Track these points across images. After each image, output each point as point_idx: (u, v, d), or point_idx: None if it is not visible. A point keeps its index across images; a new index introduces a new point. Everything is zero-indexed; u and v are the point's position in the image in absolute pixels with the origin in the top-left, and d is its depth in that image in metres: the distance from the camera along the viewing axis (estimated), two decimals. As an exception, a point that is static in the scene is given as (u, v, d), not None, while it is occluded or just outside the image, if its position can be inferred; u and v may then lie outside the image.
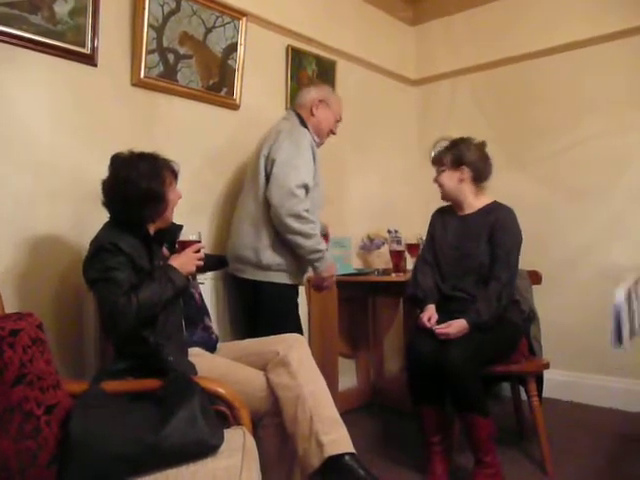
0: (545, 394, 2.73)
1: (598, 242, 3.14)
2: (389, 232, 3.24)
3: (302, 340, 1.79)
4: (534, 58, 3.39)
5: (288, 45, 2.93)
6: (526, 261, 2.55)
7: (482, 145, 2.40)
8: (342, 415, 2.89)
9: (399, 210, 3.61)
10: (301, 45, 3.01)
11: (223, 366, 1.73)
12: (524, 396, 2.47)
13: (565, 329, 3.11)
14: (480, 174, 2.36)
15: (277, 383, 1.67)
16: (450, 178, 2.35)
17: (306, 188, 2.22)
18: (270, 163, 2.24)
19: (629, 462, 2.36)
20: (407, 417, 2.30)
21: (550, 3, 3.31)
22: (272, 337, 1.83)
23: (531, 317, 2.53)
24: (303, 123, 2.39)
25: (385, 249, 3.24)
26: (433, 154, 2.46)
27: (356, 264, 3.36)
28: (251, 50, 2.70)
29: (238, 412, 1.54)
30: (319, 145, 2.47)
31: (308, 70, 3.03)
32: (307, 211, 2.19)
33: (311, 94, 2.44)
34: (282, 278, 2.28)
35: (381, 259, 3.32)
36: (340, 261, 3.10)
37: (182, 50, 2.38)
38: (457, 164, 2.34)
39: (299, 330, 2.24)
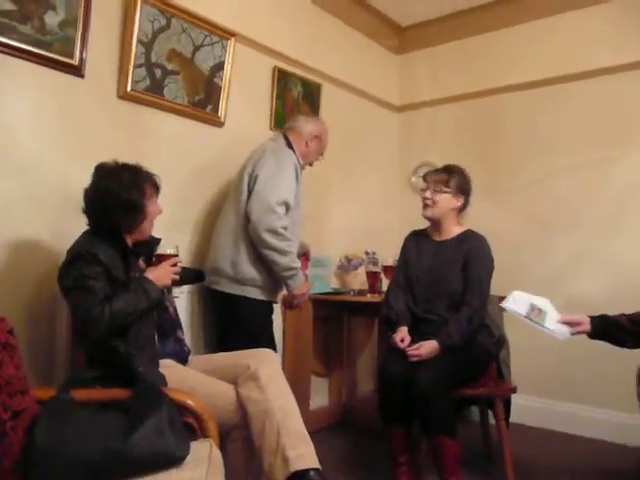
0: (513, 419, 2.79)
1: (565, 272, 3.23)
2: (367, 253, 3.29)
3: (273, 355, 1.82)
4: (511, 91, 3.50)
5: (274, 66, 3.00)
6: (497, 287, 2.61)
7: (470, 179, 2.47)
8: (313, 434, 2.90)
9: (378, 232, 3.66)
10: (287, 67, 3.07)
11: (193, 378, 1.75)
12: (492, 420, 2.51)
13: (534, 355, 3.17)
14: (467, 206, 2.44)
15: (246, 397, 1.68)
16: (449, 201, 2.39)
17: (287, 206, 2.27)
18: (253, 180, 2.30)
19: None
20: (378, 437, 2.32)
21: (529, 39, 3.43)
22: (244, 351, 1.85)
23: (501, 342, 2.58)
24: (289, 145, 2.46)
25: (362, 270, 3.29)
26: (429, 171, 2.47)
27: (334, 284, 3.39)
28: (238, 69, 2.75)
29: (206, 424, 1.55)
30: (301, 168, 2.52)
31: (294, 92, 3.10)
32: (285, 228, 2.23)
33: (310, 127, 2.52)
34: (257, 294, 2.31)
35: (358, 279, 3.36)
36: (318, 280, 3.15)
37: (170, 66, 2.43)
38: (460, 192, 2.39)
39: (272, 347, 2.25)
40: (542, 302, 2.09)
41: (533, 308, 2.07)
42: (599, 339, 2.07)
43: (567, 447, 2.92)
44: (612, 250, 3.11)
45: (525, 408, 3.10)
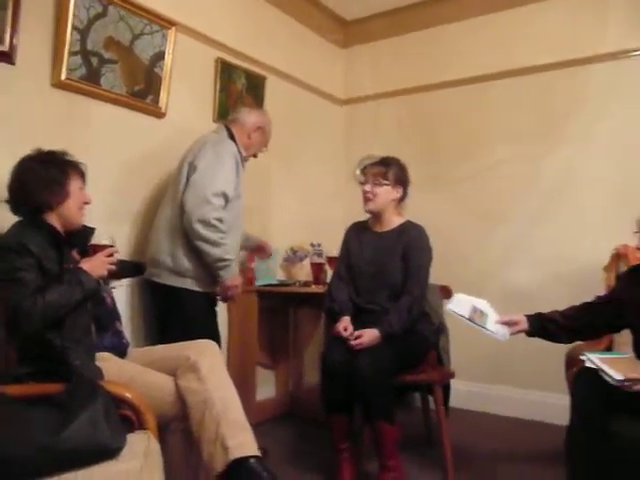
0: (453, 404, 2.88)
1: (500, 263, 3.36)
2: (312, 245, 3.31)
3: (214, 347, 1.81)
4: (453, 87, 3.60)
5: (218, 57, 2.97)
6: (437, 277, 2.69)
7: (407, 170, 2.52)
8: (259, 425, 2.95)
9: (323, 224, 3.69)
10: (231, 58, 3.05)
11: (131, 371, 1.73)
12: (433, 406, 2.59)
13: (473, 342, 3.27)
14: (405, 196, 2.49)
15: (186, 388, 1.68)
16: (388, 193, 2.43)
17: (225, 198, 2.26)
18: (192, 170, 2.28)
19: (526, 466, 2.52)
20: (323, 427, 2.36)
21: (466, 36, 3.54)
22: (184, 343, 1.84)
23: (440, 329, 2.66)
24: (232, 137, 2.45)
25: (308, 262, 3.31)
26: (367, 165, 2.50)
27: (279, 276, 3.41)
28: (179, 60, 2.72)
29: (144, 416, 1.54)
30: (244, 161, 2.52)
31: (237, 84, 3.08)
32: (219, 220, 2.22)
33: (252, 118, 2.51)
34: (196, 285, 2.30)
35: (303, 271, 3.38)
36: (264, 272, 3.15)
37: (107, 54, 2.37)
38: (398, 182, 2.44)
39: (214, 339, 2.24)
40: (483, 304, 2.17)
41: (475, 310, 2.14)
42: (536, 337, 2.17)
43: (504, 429, 3.05)
44: (543, 241, 3.25)
45: (465, 393, 3.21)
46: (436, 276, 2.65)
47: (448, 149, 3.62)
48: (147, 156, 2.64)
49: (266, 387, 3.27)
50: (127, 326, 2.39)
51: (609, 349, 2.44)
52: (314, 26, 3.74)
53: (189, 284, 2.29)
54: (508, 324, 2.13)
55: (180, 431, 1.71)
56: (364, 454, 2.45)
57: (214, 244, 2.22)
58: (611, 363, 1.97)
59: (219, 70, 2.96)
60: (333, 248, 3.04)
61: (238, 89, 3.08)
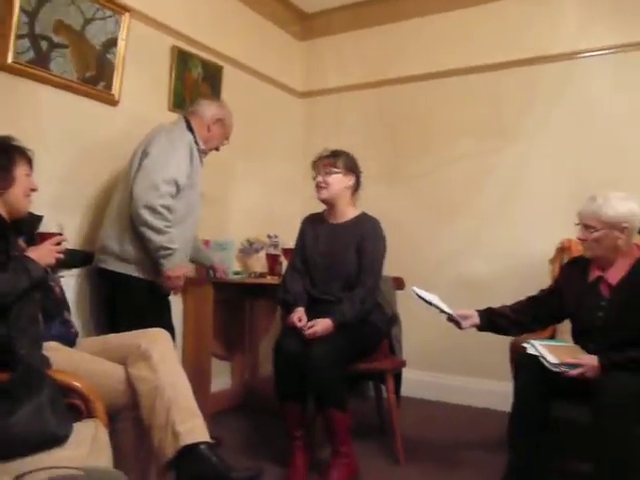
0: (407, 393, 2.96)
1: (455, 254, 3.45)
2: (269, 237, 3.32)
3: (165, 335, 1.81)
4: (412, 82, 3.66)
5: (173, 45, 2.94)
6: (393, 269, 2.75)
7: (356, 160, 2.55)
8: (214, 415, 2.94)
9: (281, 216, 3.70)
10: (187, 47, 3.02)
11: (80, 360, 1.71)
12: (386, 394, 2.65)
13: (425, 332, 3.37)
14: (358, 186, 2.52)
15: (137, 376, 1.67)
16: (340, 181, 2.45)
17: (176, 185, 2.24)
18: (144, 156, 2.27)
19: (473, 452, 2.61)
20: (278, 417, 2.38)
21: (430, 32, 3.60)
22: (134, 332, 1.83)
23: (393, 320, 2.72)
24: (190, 129, 2.43)
25: (264, 253, 3.32)
26: (316, 158, 2.52)
27: (235, 267, 3.40)
28: (133, 47, 2.67)
29: (92, 405, 1.53)
30: (204, 154, 2.52)
31: (193, 72, 3.05)
32: (167, 208, 2.20)
33: (212, 110, 2.49)
34: (143, 273, 2.28)
35: (259, 263, 3.39)
36: (221, 263, 3.14)
37: (57, 39, 2.31)
38: (349, 170, 2.46)
39: (166, 328, 2.24)
40: (435, 298, 2.24)
41: (430, 299, 2.22)
42: (487, 331, 2.26)
43: (454, 416, 3.14)
44: (495, 234, 3.36)
45: (416, 382, 3.29)
46: (391, 268, 2.72)
47: (406, 144, 3.68)
48: (100, 144, 2.59)
49: (222, 378, 3.27)
50: (78, 315, 2.36)
51: (552, 337, 2.55)
52: (273, 18, 3.74)
53: (134, 271, 2.26)
54: (460, 317, 2.21)
55: (131, 419, 1.70)
56: (317, 442, 2.49)
57: (158, 231, 2.18)
58: (552, 349, 2.07)
59: (175, 58, 2.92)
60: (290, 240, 3.05)
61: (194, 78, 3.05)
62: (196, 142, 2.42)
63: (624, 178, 2.85)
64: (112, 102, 2.61)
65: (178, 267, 2.26)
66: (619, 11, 3.07)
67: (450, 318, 2.23)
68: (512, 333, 2.30)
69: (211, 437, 2.36)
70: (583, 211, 2.08)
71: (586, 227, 2.06)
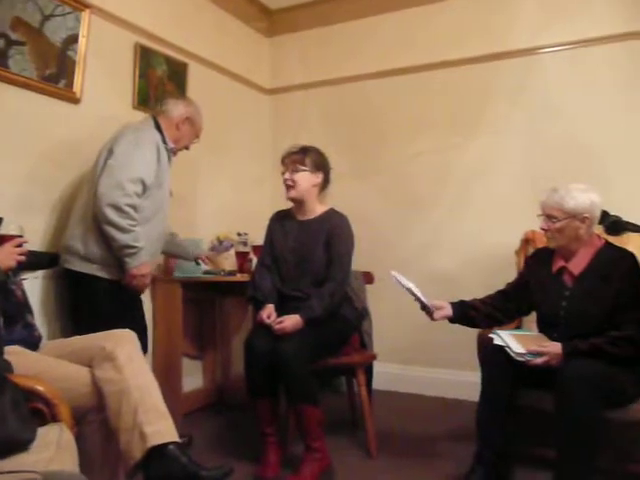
0: (377, 386, 2.98)
1: (424, 248, 3.49)
2: (239, 234, 3.30)
3: (130, 336, 1.78)
4: (377, 78, 3.69)
5: (136, 42, 2.89)
6: (362, 263, 2.77)
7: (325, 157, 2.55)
8: (187, 415, 2.92)
9: (250, 214, 3.69)
10: (150, 44, 2.98)
11: (43, 363, 1.68)
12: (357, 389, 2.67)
13: (395, 326, 3.41)
14: (326, 184, 2.52)
15: (102, 378, 1.65)
16: (308, 179, 2.45)
17: (143, 184, 2.22)
18: (109, 155, 2.24)
19: (444, 442, 2.65)
20: (251, 415, 2.38)
21: (392, 29, 3.62)
22: (99, 333, 1.80)
23: (363, 314, 2.74)
24: (158, 128, 2.41)
25: (234, 251, 3.30)
26: (285, 154, 2.51)
27: (205, 265, 3.37)
28: (95, 44, 2.62)
29: (57, 409, 1.50)
30: (174, 153, 2.51)
31: (158, 70, 3.01)
32: (132, 207, 2.18)
33: (180, 109, 2.47)
34: (108, 273, 2.26)
35: (229, 261, 3.36)
36: (190, 262, 3.11)
37: (14, 36, 2.25)
38: (317, 168, 2.46)
39: (136, 328, 2.22)
40: (412, 285, 2.27)
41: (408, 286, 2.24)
42: (459, 323, 2.30)
43: (425, 408, 3.19)
44: (462, 228, 3.41)
45: (388, 375, 3.33)
46: (361, 263, 2.74)
47: (373, 139, 3.70)
48: (63, 143, 2.54)
49: (193, 378, 3.25)
50: (43, 318, 2.32)
51: (519, 327, 2.60)
52: (238, 14, 3.71)
53: (99, 271, 2.23)
54: (433, 308, 2.24)
55: (97, 422, 1.68)
56: (290, 438, 2.49)
57: (122, 230, 2.17)
58: (518, 339, 2.12)
59: (138, 55, 2.88)
60: (260, 237, 3.04)
61: (158, 75, 3.01)
62: (164, 141, 2.41)
63: (583, 170, 2.93)
64: (74, 100, 2.56)
65: (143, 265, 2.25)
66: (576, 7, 3.14)
67: (424, 307, 2.25)
68: (483, 326, 2.34)
69: (182, 436, 2.36)
70: (545, 202, 2.14)
71: (548, 217, 2.12)
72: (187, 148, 2.60)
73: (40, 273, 2.33)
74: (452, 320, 2.29)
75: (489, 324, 2.33)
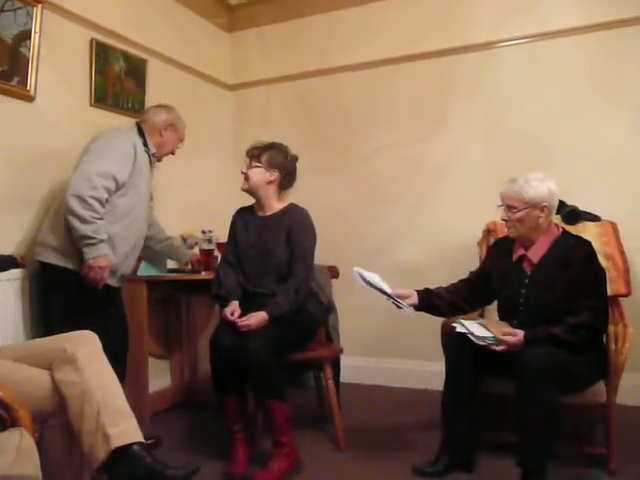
0: (345, 379, 3.00)
1: (391, 240, 3.53)
2: (203, 232, 3.28)
3: (91, 337, 1.75)
4: (340, 72, 3.70)
5: (92, 38, 2.83)
6: (326, 257, 2.78)
7: (295, 158, 2.56)
8: (154, 415, 2.89)
9: (215, 211, 3.65)
10: (106, 40, 2.92)
11: (2, 367, 1.63)
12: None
13: (362, 319, 3.44)
14: (285, 183, 2.52)
15: (62, 381, 1.62)
16: (261, 175, 2.45)
17: (115, 181, 2.27)
18: (85, 152, 2.32)
19: (411, 432, 2.69)
20: (219, 413, 2.37)
21: (354, 24, 3.64)
22: (59, 336, 1.76)
23: (330, 308, 2.75)
24: (141, 134, 2.50)
25: (198, 249, 3.27)
26: (248, 147, 2.53)
27: (170, 264, 3.33)
28: (49, 40, 2.56)
29: (16, 413, 1.47)
30: (157, 159, 2.60)
31: (115, 66, 2.96)
32: (97, 200, 2.20)
33: (161, 116, 2.55)
34: (74, 264, 2.28)
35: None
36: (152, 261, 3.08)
37: (-37, 32, 2.19)
38: (271, 166, 2.45)
39: (111, 323, 2.32)
40: (374, 276, 2.29)
41: (371, 279, 2.26)
42: (424, 311, 2.33)
43: (392, 399, 3.23)
44: (427, 220, 3.46)
45: (355, 369, 3.35)
46: (326, 257, 2.75)
47: (338, 133, 3.71)
48: (18, 142, 2.48)
49: (161, 377, 3.22)
50: (16, 322, 2.32)
51: (481, 316, 2.66)
52: (197, 9, 3.67)
53: (68, 263, 2.27)
54: (400, 297, 2.26)
55: (59, 426, 1.64)
56: (258, 434, 2.49)
57: (83, 221, 2.18)
58: (480, 325, 2.17)
59: (94, 52, 2.82)
60: (224, 235, 3.03)
61: (116, 72, 2.96)
62: (146, 146, 2.48)
63: (541, 162, 3.00)
64: (28, 98, 2.50)
65: (101, 257, 2.24)
66: (534, 1, 3.21)
67: (390, 299, 2.27)
68: (447, 315, 2.38)
69: (150, 438, 2.36)
70: (505, 192, 2.18)
71: (509, 207, 2.16)
72: (173, 153, 2.67)
73: (13, 274, 2.32)
74: (418, 308, 2.32)
75: (453, 313, 2.37)
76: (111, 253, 2.30)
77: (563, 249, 2.14)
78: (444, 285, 2.40)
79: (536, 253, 2.19)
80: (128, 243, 2.43)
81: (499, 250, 2.37)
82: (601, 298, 2.10)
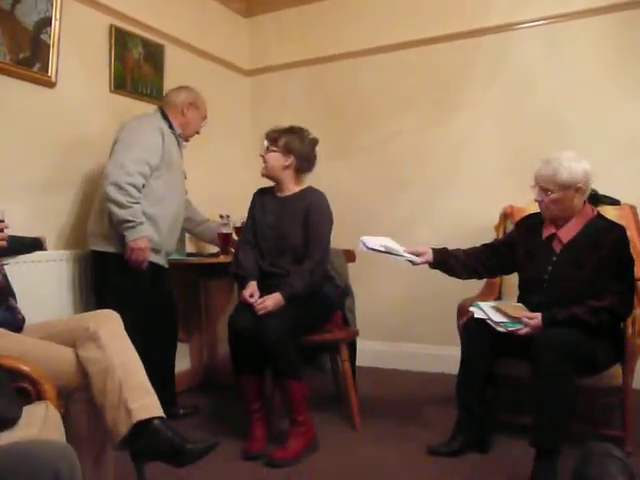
0: (361, 363, 3.03)
1: (407, 224, 3.52)
2: (221, 217, 3.31)
3: (114, 315, 1.80)
4: (359, 57, 3.69)
5: (111, 24, 2.87)
6: (342, 241, 2.80)
7: (314, 142, 2.55)
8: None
9: (233, 195, 3.69)
10: (125, 26, 2.95)
11: (28, 344, 1.69)
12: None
13: (378, 303, 3.46)
14: (303, 167, 2.52)
15: (86, 358, 1.67)
16: (277, 160, 2.47)
17: (148, 165, 2.39)
18: (115, 143, 2.44)
19: (427, 412, 2.72)
20: (238, 394, 2.42)
21: (371, 8, 3.62)
22: (83, 314, 1.84)
23: (346, 292, 2.78)
24: (165, 117, 2.59)
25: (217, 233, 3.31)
26: (272, 128, 2.56)
27: (189, 249, 3.39)
28: (69, 27, 2.60)
29: (42, 387, 1.52)
30: (185, 139, 2.71)
31: (134, 52, 2.99)
32: (133, 186, 2.33)
33: (181, 96, 2.65)
34: (118, 248, 2.42)
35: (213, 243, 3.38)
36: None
37: (-15, 19, 2.23)
38: (288, 151, 2.47)
39: (158, 302, 2.53)
40: (388, 240, 2.33)
41: (383, 244, 2.31)
42: (438, 269, 2.35)
43: (407, 383, 3.25)
44: (443, 204, 3.46)
45: (371, 352, 3.38)
46: (343, 241, 2.77)
47: (353, 118, 3.71)
48: (40, 127, 2.53)
49: (181, 360, 3.26)
50: (67, 301, 2.45)
51: (499, 299, 2.66)
52: (214, -6, 3.68)
53: (113, 248, 2.42)
54: (415, 254, 2.29)
55: (83, 401, 1.69)
56: (276, 413, 2.54)
57: (121, 206, 2.31)
58: (498, 310, 2.17)
59: (113, 38, 2.86)
60: (242, 219, 3.06)
61: (134, 58, 2.99)
62: (172, 127, 2.58)
63: (560, 144, 2.95)
64: (49, 84, 2.54)
65: (141, 239, 2.37)
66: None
67: (405, 259, 2.30)
68: (461, 276, 2.38)
69: (191, 406, 2.69)
70: (539, 174, 2.13)
71: (543, 189, 2.13)
72: (198, 132, 2.76)
73: (62, 256, 2.46)
74: (432, 265, 2.34)
75: (468, 275, 2.38)
76: (154, 233, 2.45)
77: (595, 231, 2.11)
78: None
79: (567, 233, 2.15)
80: (168, 221, 2.57)
81: (528, 226, 2.33)
82: (627, 284, 2.06)
